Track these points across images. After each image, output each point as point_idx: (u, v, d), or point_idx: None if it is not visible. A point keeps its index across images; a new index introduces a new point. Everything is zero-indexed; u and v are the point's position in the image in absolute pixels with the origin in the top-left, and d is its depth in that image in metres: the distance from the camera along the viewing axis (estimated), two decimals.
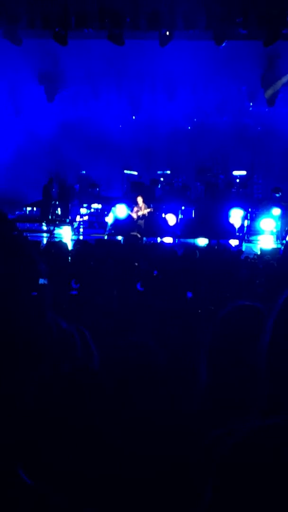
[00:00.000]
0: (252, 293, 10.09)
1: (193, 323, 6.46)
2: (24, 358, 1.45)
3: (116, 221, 23.61)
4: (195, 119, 29.24)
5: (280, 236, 22.47)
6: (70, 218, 24.68)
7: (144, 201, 23.07)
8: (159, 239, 22.18)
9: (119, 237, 21.97)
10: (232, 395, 2.40)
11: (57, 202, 25.38)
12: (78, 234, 24.00)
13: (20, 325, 1.43)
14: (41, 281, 1.48)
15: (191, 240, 21.57)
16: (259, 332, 1.81)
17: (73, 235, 23.27)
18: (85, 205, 26.03)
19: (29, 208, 26.31)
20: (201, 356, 2.58)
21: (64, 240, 19.59)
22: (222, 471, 1.48)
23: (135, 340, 3.44)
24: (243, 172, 27.01)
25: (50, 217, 24.52)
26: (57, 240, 20.48)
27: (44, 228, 24.03)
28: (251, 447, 1.47)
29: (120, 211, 23.50)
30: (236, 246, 21.14)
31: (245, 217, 23.80)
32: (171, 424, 2.56)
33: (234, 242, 21.96)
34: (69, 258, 14.69)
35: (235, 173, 27.00)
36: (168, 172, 27.73)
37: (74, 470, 2.32)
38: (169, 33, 21.35)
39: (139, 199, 23.01)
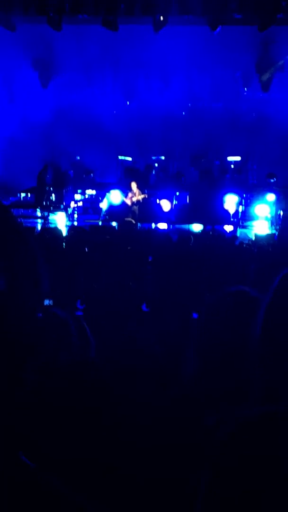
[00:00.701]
0: (247, 279, 10.11)
1: (187, 309, 6.48)
2: (20, 346, 1.46)
3: (111, 207, 23.60)
4: (189, 105, 29.14)
5: (274, 222, 22.48)
6: (64, 204, 24.64)
7: (138, 187, 23.04)
8: (153, 225, 22.17)
9: (114, 223, 21.96)
10: (222, 381, 2.42)
11: (51, 188, 25.30)
12: (73, 220, 23.98)
13: (15, 313, 1.44)
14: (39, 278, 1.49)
15: (185, 226, 21.57)
16: (249, 317, 1.82)
17: (67, 221, 23.25)
18: (79, 191, 25.98)
19: (23, 194, 26.24)
20: (190, 342, 2.59)
21: (58, 226, 19.59)
22: (217, 460, 1.49)
23: (130, 331, 3.46)
24: (238, 158, 26.98)
25: (44, 203, 24.46)
26: (51, 226, 20.47)
27: (39, 214, 24.00)
28: (246, 436, 1.48)
29: (115, 197, 23.48)
30: (230, 232, 21.16)
31: (239, 203, 23.80)
32: (165, 411, 2.58)
33: (228, 228, 21.97)
34: (64, 244, 14.69)
35: (230, 159, 26.97)
36: (163, 158, 27.68)
37: (71, 458, 2.34)
38: (163, 18, 21.25)
39: (133, 185, 22.98)
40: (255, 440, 1.47)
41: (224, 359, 2.43)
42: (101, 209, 24.06)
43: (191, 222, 21.61)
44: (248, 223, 23.13)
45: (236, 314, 2.45)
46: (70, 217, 24.11)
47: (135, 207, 22.85)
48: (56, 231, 16.67)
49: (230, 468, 1.45)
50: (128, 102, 29.01)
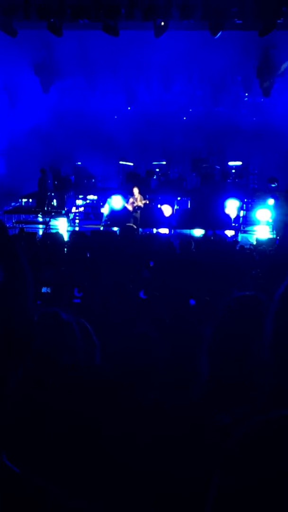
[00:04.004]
0: (248, 283, 10.10)
1: (191, 314, 6.47)
2: (4, 350, 1.46)
3: (112, 212, 23.59)
4: (190, 110, 29.24)
5: (274, 226, 22.47)
6: (66, 209, 24.65)
7: (140, 192, 23.03)
8: (155, 230, 22.17)
9: (115, 228, 21.94)
10: (234, 384, 2.42)
11: (52, 194, 25.32)
12: (74, 225, 23.99)
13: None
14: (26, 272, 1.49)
15: (187, 231, 21.58)
16: (261, 322, 1.82)
17: (69, 226, 23.25)
18: (80, 196, 26.06)
19: (25, 200, 26.26)
20: (202, 347, 2.59)
21: (60, 231, 19.59)
22: (228, 463, 1.48)
23: (136, 332, 3.45)
24: (239, 163, 27.02)
25: (46, 208, 24.48)
26: (53, 231, 20.47)
27: (40, 219, 24.01)
28: (258, 440, 1.47)
29: (116, 202, 23.47)
30: (231, 237, 21.16)
31: (240, 208, 23.82)
32: (172, 414, 2.57)
33: (229, 233, 21.97)
34: (65, 249, 14.70)
35: (231, 163, 27.01)
36: (164, 163, 27.75)
37: (73, 462, 2.33)
38: (164, 24, 21.26)
39: (135, 190, 22.95)
40: (266, 445, 1.47)
41: (236, 363, 2.42)
42: (102, 214, 24.07)
43: (192, 227, 21.61)
44: (249, 227, 23.13)
45: (248, 318, 2.45)
46: (71, 222, 24.12)
47: (137, 212, 22.84)
48: (58, 236, 16.68)
49: (242, 470, 1.45)
50: (129, 107, 29.07)
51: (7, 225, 21.35)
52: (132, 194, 22.96)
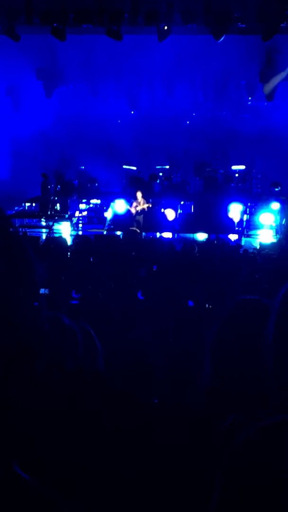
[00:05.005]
0: (252, 287, 10.10)
1: (195, 318, 6.47)
2: (14, 356, 1.44)
3: (115, 216, 23.60)
4: (193, 114, 29.26)
5: (279, 230, 22.46)
6: (69, 213, 24.64)
7: (143, 196, 23.03)
8: (158, 234, 22.15)
9: (118, 232, 21.95)
10: (238, 388, 2.41)
11: (56, 198, 25.32)
12: (77, 230, 23.98)
13: (11, 323, 1.43)
14: (38, 282, 1.48)
15: (190, 235, 21.57)
16: (264, 326, 1.81)
17: (72, 230, 23.24)
18: (84, 200, 26.05)
19: (28, 204, 26.26)
20: (205, 351, 2.58)
21: (63, 236, 19.60)
22: (231, 468, 1.48)
23: (137, 336, 3.44)
24: (242, 167, 27.05)
25: (49, 212, 24.47)
26: (56, 235, 20.47)
27: (43, 223, 24.00)
28: (260, 444, 1.46)
29: (119, 206, 23.48)
30: (235, 241, 21.15)
31: (244, 212, 23.80)
32: (175, 418, 2.57)
33: (233, 237, 21.95)
34: (68, 253, 14.71)
35: (234, 167, 27.04)
36: (167, 167, 27.76)
37: (76, 467, 2.32)
38: (167, 28, 21.27)
39: (139, 194, 22.95)
40: (272, 447, 1.46)
41: (239, 367, 2.42)
42: (105, 218, 24.07)
43: (196, 231, 21.59)
44: (252, 231, 23.11)
45: (251, 322, 2.44)
46: (75, 226, 24.11)
47: (140, 216, 22.84)
48: (61, 240, 16.70)
49: (245, 474, 1.45)
50: (132, 112, 29.11)
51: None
52: (135, 198, 22.96)
